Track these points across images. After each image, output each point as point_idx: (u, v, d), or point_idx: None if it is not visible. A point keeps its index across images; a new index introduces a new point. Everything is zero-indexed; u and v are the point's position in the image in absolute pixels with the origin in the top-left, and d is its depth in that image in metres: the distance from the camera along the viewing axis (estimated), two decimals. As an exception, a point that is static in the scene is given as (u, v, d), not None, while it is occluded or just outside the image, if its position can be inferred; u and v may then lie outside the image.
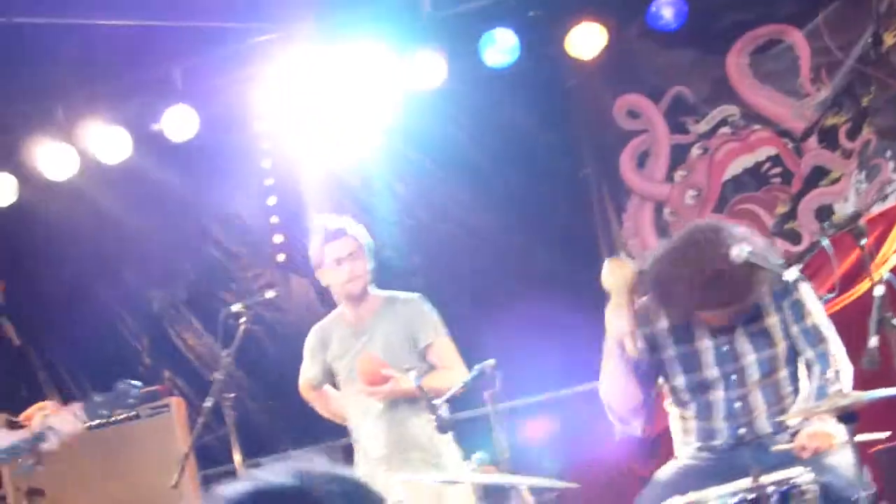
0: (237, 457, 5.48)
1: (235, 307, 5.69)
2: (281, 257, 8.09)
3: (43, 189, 7.87)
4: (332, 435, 6.71)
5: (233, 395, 5.60)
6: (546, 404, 7.52)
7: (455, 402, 4.97)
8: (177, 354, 8.28)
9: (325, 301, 6.47)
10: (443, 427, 4.81)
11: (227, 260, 8.30)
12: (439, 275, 7.70)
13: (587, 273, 5.40)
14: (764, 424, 4.64)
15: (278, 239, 8.10)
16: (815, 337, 4.60)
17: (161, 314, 8.34)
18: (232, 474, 6.38)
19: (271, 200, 8.07)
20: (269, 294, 5.89)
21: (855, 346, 4.47)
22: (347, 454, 5.97)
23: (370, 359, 5.58)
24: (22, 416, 5.69)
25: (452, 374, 5.46)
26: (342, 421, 5.91)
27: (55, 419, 4.13)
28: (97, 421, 4.34)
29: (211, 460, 6.87)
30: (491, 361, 4.81)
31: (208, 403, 5.51)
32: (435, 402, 4.81)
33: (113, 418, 4.21)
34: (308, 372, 5.92)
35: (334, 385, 5.90)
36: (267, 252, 8.14)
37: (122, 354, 8.23)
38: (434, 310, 5.75)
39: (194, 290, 8.33)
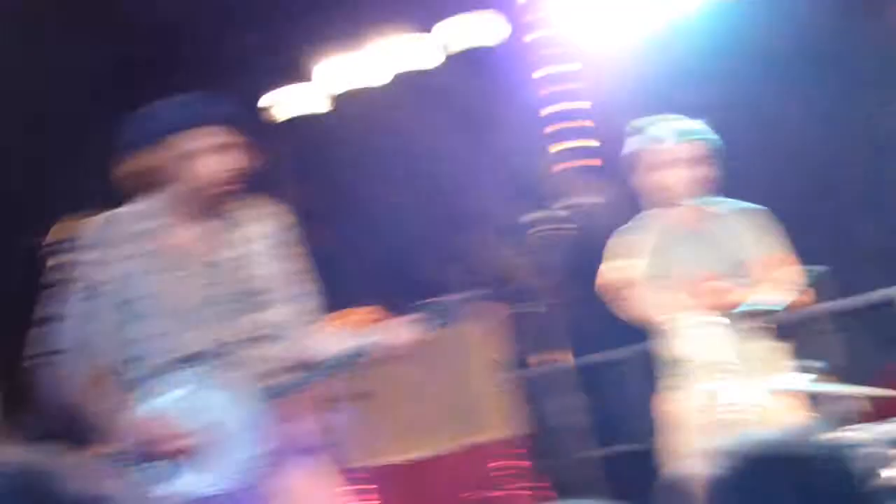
0: (554, 358, 5.53)
1: (544, 214, 5.70)
2: (595, 161, 8.05)
3: (355, 98, 8.04)
4: (639, 338, 6.68)
5: (548, 301, 5.65)
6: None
7: (783, 311, 4.88)
8: (489, 264, 8.36)
9: (636, 206, 6.41)
10: (773, 335, 4.73)
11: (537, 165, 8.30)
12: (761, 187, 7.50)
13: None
14: None
15: (590, 143, 8.06)
16: None
17: (471, 224, 8.43)
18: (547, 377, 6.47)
19: (583, 105, 8.02)
20: (584, 199, 5.88)
21: None
22: (645, 361, 5.93)
23: (702, 265, 5.51)
24: (342, 319, 5.87)
25: (783, 285, 5.35)
26: (653, 324, 5.86)
27: (386, 328, 4.20)
28: (427, 332, 4.40)
29: (525, 366, 6.95)
30: (821, 268, 4.69)
31: (524, 310, 5.56)
32: (767, 309, 4.73)
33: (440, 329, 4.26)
34: (622, 272, 5.87)
35: (651, 288, 5.85)
36: (580, 155, 8.10)
37: (437, 265, 8.36)
38: (768, 223, 5.62)
39: (505, 198, 8.38)
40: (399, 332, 4.17)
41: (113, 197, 4.13)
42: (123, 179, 4.08)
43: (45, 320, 3.90)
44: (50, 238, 3.79)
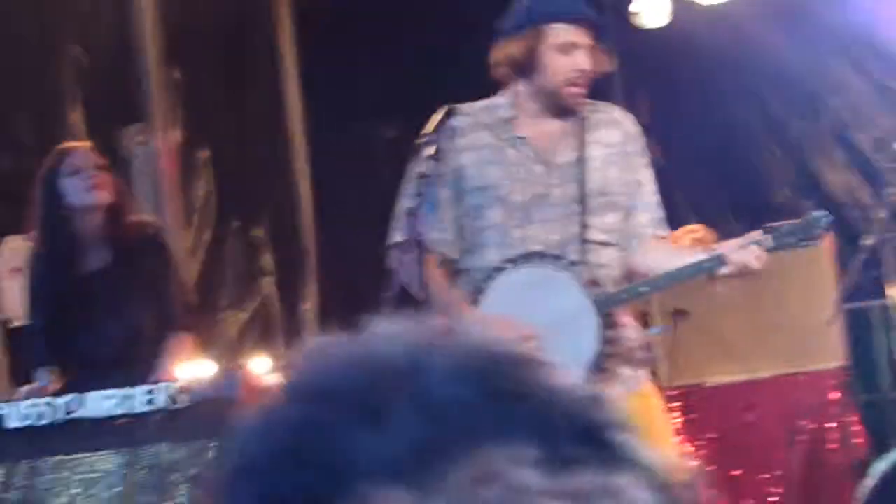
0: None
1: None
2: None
3: (695, 13, 7.91)
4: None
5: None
6: None
7: None
8: (818, 189, 8.15)
9: None
10: None
11: (877, 94, 8.00)
12: None
13: None
14: None
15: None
16: None
17: (803, 146, 8.22)
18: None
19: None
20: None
21: None
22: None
23: None
24: (679, 236, 5.81)
25: None
26: None
27: (731, 245, 4.11)
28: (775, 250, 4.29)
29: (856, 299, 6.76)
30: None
31: (868, 241, 5.39)
32: None
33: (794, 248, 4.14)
34: None
35: None
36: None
37: (763, 182, 8.21)
38: None
39: (839, 123, 8.12)
40: (739, 252, 4.07)
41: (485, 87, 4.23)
42: (494, 66, 4.16)
43: (403, 210, 4.03)
44: (423, 129, 3.89)
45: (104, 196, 4.76)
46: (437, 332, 0.78)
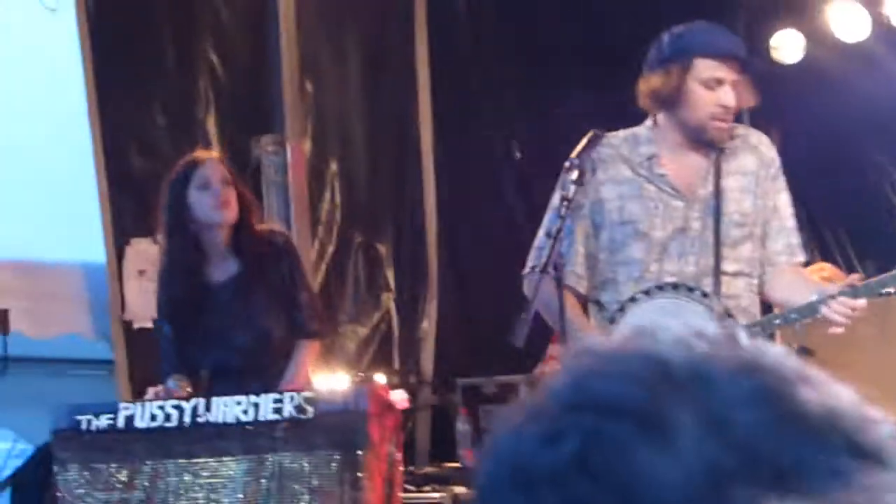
0: None
1: None
2: None
3: (830, 48, 7.82)
4: None
5: None
6: None
7: None
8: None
9: None
10: None
11: None
12: None
13: None
14: None
15: None
16: None
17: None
18: None
19: None
20: None
21: None
22: None
23: None
24: (812, 270, 5.72)
25: None
26: None
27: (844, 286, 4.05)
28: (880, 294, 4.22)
29: None
30: None
31: None
32: None
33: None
34: None
35: None
36: None
37: (889, 218, 8.06)
38: None
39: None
40: (836, 303, 4.01)
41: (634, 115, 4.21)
42: (640, 98, 4.14)
43: (543, 233, 4.00)
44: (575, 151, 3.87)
45: (230, 215, 4.75)
46: (709, 338, 0.74)
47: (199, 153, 5.04)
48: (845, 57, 7.85)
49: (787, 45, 7.88)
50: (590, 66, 7.24)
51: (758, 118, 7.27)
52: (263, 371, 4.68)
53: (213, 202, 4.73)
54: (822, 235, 8.21)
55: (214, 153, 5.23)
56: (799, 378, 0.73)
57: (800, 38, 7.82)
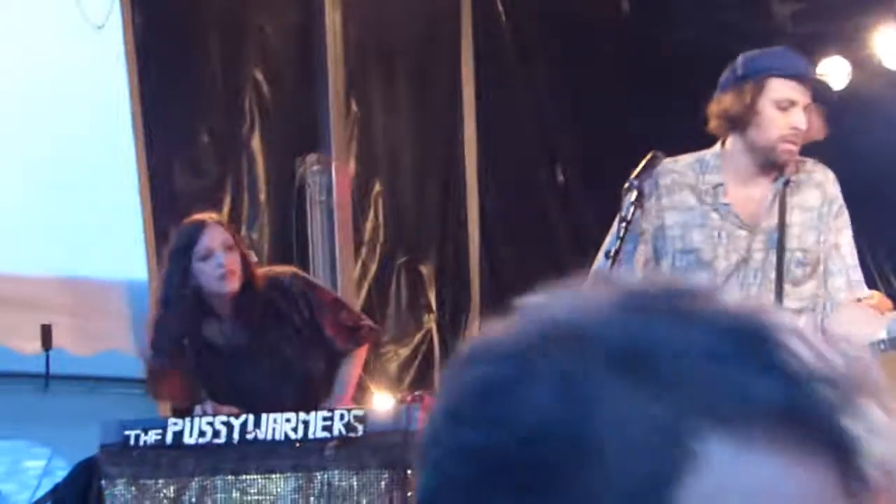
0: None
1: None
2: None
3: (876, 75, 7.78)
4: None
5: None
6: None
7: None
8: None
9: None
10: None
11: None
12: None
13: None
14: None
15: None
16: None
17: None
18: None
19: None
20: None
21: None
22: None
23: None
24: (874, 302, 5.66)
25: None
26: None
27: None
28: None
29: None
30: None
31: None
32: None
33: None
34: None
35: None
36: None
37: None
38: None
39: None
40: None
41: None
42: (710, 120, 4.10)
43: (602, 253, 3.96)
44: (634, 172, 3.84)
45: (233, 285, 4.67)
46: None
47: (201, 216, 4.90)
48: (891, 84, 7.81)
49: (834, 73, 7.84)
50: (636, 88, 7.20)
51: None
52: (312, 403, 4.60)
53: (217, 273, 4.66)
54: (865, 263, 8.14)
55: (215, 215, 5.10)
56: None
57: (846, 65, 7.79)
